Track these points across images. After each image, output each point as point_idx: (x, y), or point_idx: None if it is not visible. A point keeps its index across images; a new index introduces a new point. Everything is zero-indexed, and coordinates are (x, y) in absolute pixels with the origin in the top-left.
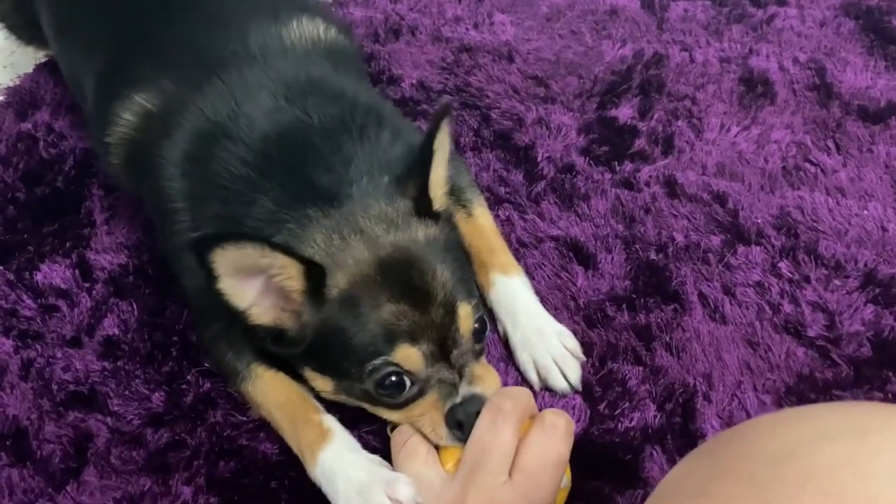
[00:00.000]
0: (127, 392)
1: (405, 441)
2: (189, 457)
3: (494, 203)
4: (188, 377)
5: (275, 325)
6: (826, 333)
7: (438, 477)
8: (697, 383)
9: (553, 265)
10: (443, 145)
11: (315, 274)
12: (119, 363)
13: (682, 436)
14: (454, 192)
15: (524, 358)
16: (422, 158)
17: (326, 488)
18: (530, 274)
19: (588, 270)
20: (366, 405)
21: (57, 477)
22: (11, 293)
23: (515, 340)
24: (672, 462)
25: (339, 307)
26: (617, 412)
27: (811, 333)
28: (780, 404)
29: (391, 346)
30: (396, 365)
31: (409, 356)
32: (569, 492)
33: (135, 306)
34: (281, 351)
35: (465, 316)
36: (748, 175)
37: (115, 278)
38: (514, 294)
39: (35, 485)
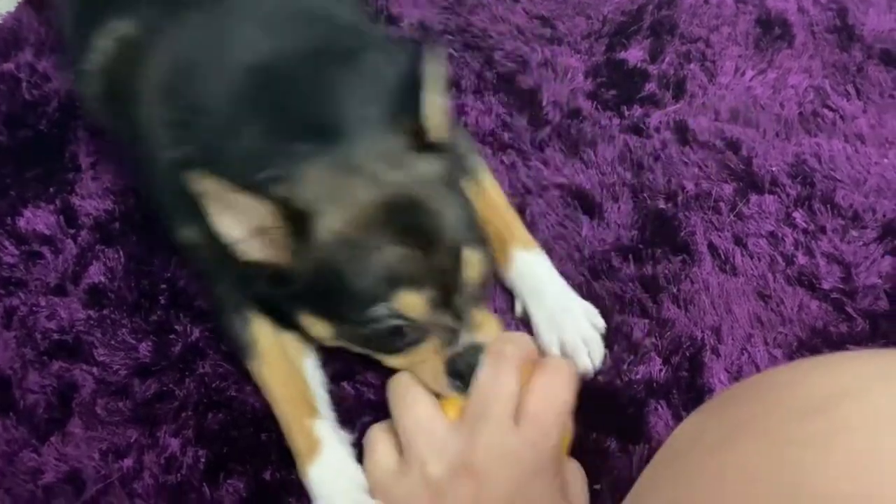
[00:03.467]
0: (113, 342)
1: (405, 388)
2: (177, 408)
3: (497, 149)
4: (176, 327)
5: (268, 262)
6: (841, 286)
7: (442, 425)
8: (705, 336)
9: (557, 214)
10: (435, 74)
11: (295, 213)
12: (105, 312)
13: (688, 390)
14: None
15: (550, 339)
16: (411, 86)
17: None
18: (535, 223)
19: (594, 220)
20: (367, 351)
21: (41, 428)
22: None
23: (540, 319)
24: (678, 418)
25: (336, 248)
26: (621, 366)
27: (826, 286)
28: (791, 359)
29: (392, 292)
30: (397, 312)
31: (411, 303)
32: (570, 440)
33: (121, 253)
34: (278, 293)
35: (473, 262)
36: (763, 121)
37: (101, 224)
38: (536, 270)
39: (19, 435)
